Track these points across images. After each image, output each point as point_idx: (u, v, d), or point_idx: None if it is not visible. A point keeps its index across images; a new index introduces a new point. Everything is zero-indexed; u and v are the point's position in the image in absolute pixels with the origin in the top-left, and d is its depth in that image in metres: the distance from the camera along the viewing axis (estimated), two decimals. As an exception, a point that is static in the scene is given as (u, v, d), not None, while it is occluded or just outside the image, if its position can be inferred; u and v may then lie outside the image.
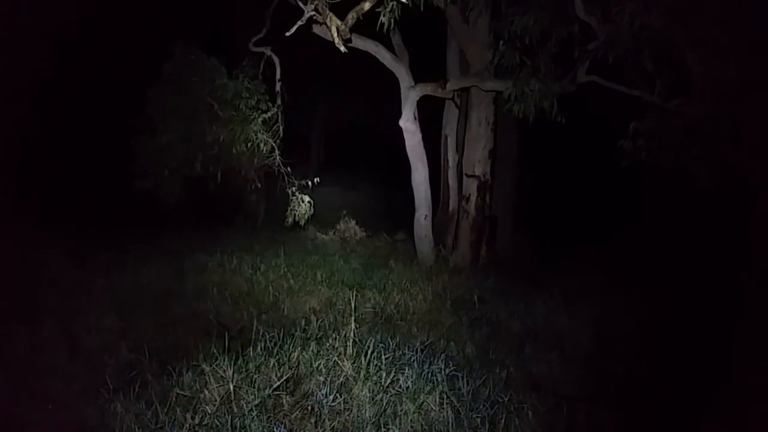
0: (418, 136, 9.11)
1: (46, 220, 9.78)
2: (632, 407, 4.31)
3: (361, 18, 6.58)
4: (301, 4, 5.92)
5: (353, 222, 11.65)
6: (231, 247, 9.06)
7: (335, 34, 6.05)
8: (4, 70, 8.08)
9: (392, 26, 6.65)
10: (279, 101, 9.55)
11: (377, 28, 6.77)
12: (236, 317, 5.89)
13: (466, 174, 9.29)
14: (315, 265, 8.37)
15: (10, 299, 5.95)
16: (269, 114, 9.36)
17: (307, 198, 9.03)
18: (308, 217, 9.15)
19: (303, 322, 5.33)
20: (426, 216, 9.33)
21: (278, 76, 9.63)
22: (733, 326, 5.45)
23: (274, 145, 9.24)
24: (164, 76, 9.19)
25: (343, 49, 6.21)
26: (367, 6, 6.41)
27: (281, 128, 9.46)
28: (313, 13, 5.96)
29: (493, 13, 8.67)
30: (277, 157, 9.19)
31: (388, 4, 6.37)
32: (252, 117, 9.18)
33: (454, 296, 7.09)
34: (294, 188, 9.03)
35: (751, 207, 5.85)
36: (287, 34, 5.99)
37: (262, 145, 9.12)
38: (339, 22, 6.14)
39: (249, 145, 9.01)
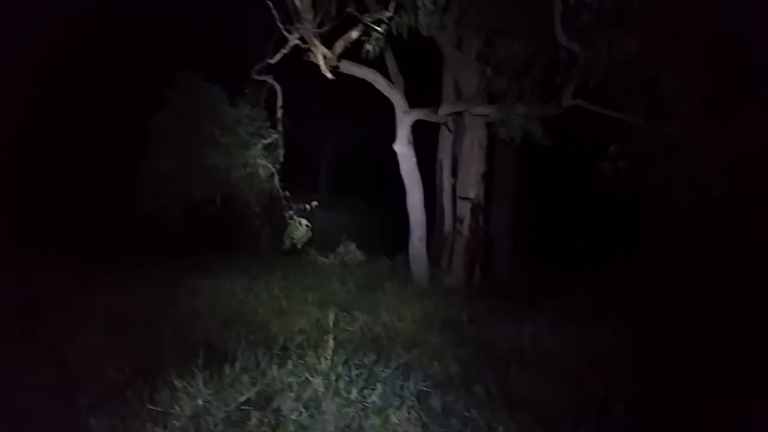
0: (413, 159, 9.27)
1: (46, 243, 9.91)
2: (610, 428, 4.30)
3: (349, 46, 6.80)
4: (286, 34, 6.14)
5: (353, 245, 11.72)
6: (228, 270, 9.18)
7: (322, 62, 6.26)
8: (9, 96, 8.36)
9: (377, 54, 6.82)
10: (279, 127, 9.77)
11: (364, 56, 6.96)
12: (224, 337, 5.95)
13: (459, 197, 9.41)
14: (311, 288, 8.43)
15: (3, 321, 6.10)
16: (269, 140, 9.56)
17: (304, 221, 9.12)
18: (307, 241, 9.25)
19: (283, 341, 5.41)
20: (421, 238, 9.43)
21: (279, 103, 9.82)
22: (723, 346, 5.42)
23: (273, 169, 9.41)
24: (167, 104, 9.45)
25: (330, 75, 6.43)
26: (354, 35, 6.64)
27: (281, 153, 9.64)
28: (298, 41, 6.17)
29: (485, 40, 8.88)
30: (276, 182, 9.35)
31: (372, 33, 6.58)
32: (252, 143, 9.38)
33: (444, 317, 7.11)
34: (292, 212, 9.15)
35: (734, 225, 5.86)
36: (271, 61, 6.23)
37: (260, 170, 9.30)
38: (326, 51, 6.35)
39: (247, 169, 9.19)
